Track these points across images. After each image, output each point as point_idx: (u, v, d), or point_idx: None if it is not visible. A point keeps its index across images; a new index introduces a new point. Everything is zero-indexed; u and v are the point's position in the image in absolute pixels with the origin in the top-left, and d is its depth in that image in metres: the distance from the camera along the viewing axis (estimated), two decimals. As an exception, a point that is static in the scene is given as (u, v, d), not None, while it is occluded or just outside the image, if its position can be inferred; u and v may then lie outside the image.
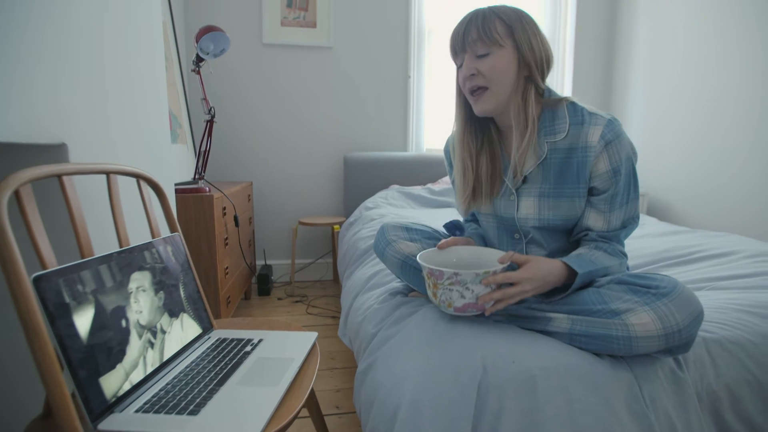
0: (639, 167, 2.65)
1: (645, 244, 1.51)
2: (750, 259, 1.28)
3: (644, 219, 2.02)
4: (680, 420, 0.75)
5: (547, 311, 0.86)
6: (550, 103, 0.93)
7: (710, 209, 2.18)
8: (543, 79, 0.93)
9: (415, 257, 1.02)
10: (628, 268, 1.07)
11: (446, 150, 1.15)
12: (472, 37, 0.88)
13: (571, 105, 0.93)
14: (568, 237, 1.01)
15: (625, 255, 0.98)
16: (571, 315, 0.83)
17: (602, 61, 2.88)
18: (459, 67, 0.95)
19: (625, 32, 2.74)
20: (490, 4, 0.92)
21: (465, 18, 0.92)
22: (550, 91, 0.95)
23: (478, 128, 1.00)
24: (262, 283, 2.48)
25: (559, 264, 0.87)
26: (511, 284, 0.83)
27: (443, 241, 0.98)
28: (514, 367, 0.73)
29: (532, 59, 0.89)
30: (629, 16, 2.70)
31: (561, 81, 2.92)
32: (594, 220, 0.94)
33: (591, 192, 0.93)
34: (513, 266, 0.92)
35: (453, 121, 1.04)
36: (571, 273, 0.88)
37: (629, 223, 0.96)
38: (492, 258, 0.95)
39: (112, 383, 0.64)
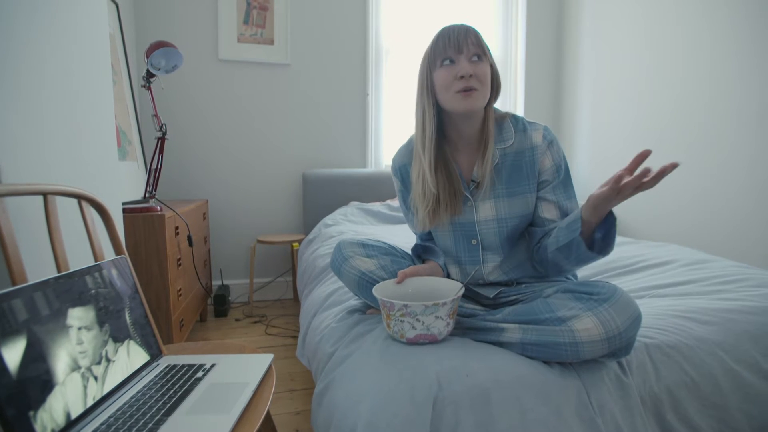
0: (587, 180, 2.80)
1: (593, 255, 1.58)
2: (685, 267, 1.37)
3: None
4: (626, 423, 0.79)
5: (500, 322, 0.88)
6: (497, 117, 1.06)
7: (652, 218, 2.33)
8: (496, 98, 1.05)
9: (372, 273, 1.03)
10: (576, 277, 1.13)
11: (395, 169, 1.14)
12: (472, 42, 0.96)
13: (513, 117, 1.07)
14: (524, 245, 1.07)
15: None
16: (522, 324, 0.85)
17: (551, 80, 3.04)
18: (446, 63, 0.96)
19: (571, 53, 2.92)
20: (463, 23, 1.00)
21: (458, 25, 0.98)
22: (495, 108, 1.08)
23: (438, 141, 1.03)
24: (218, 304, 2.39)
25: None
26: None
27: (401, 272, 0.99)
28: (468, 381, 0.74)
29: (496, 78, 1.02)
30: (574, 38, 2.88)
31: (514, 101, 3.05)
32: (548, 211, 1.03)
33: (540, 187, 1.04)
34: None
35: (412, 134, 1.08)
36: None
37: None
38: (447, 288, 0.97)
39: (46, 420, 0.59)
